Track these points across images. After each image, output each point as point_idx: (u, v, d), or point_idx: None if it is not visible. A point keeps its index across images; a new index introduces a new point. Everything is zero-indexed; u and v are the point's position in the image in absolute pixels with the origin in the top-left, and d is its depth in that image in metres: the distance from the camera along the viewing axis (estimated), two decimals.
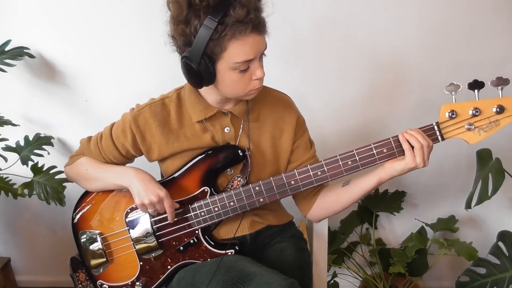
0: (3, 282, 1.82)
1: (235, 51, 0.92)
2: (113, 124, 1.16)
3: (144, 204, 1.05)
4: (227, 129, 1.10)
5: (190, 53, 0.93)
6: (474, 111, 0.96)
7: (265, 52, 0.99)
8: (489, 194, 1.37)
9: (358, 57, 1.57)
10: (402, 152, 1.00)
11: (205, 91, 1.08)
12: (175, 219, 1.10)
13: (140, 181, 1.06)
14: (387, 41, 1.55)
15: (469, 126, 0.97)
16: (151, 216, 1.13)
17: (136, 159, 1.20)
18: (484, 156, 1.44)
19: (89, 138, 1.19)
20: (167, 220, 1.10)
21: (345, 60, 1.58)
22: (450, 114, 0.97)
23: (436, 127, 0.99)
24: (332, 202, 1.13)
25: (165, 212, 1.08)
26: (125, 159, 1.17)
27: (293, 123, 1.14)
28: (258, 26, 0.92)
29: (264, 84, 1.11)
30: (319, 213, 1.17)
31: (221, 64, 0.95)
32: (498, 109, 0.95)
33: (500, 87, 0.94)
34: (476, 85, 0.95)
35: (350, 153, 1.02)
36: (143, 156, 1.15)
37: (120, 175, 1.10)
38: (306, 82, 1.61)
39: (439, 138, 0.99)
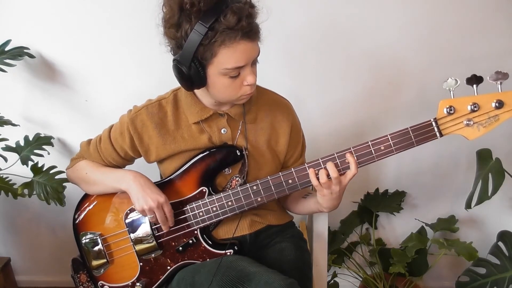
0: (3, 282, 1.82)
1: (225, 57, 0.92)
2: (111, 127, 1.16)
3: (144, 210, 1.05)
4: (224, 130, 1.10)
5: (180, 56, 0.94)
6: (472, 107, 0.94)
7: (261, 54, 0.99)
8: (489, 194, 1.36)
9: (354, 55, 1.57)
10: (400, 150, 0.99)
11: (200, 93, 1.08)
12: (174, 219, 1.10)
13: (139, 186, 1.06)
14: (382, 38, 1.54)
15: (468, 122, 0.95)
16: (151, 223, 1.12)
17: (136, 160, 1.20)
18: (484, 156, 1.44)
19: (89, 141, 1.20)
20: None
21: (341, 59, 1.58)
22: (448, 109, 0.95)
23: (434, 123, 0.97)
24: (293, 206, 1.24)
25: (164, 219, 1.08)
26: (125, 161, 1.18)
27: (289, 127, 1.15)
28: (249, 33, 0.91)
29: (261, 85, 1.12)
30: (288, 209, 1.28)
31: (211, 69, 0.95)
32: (497, 104, 0.93)
33: (499, 82, 0.92)
34: (475, 80, 0.93)
35: (348, 151, 1.01)
36: (142, 157, 1.15)
37: (119, 179, 1.10)
38: (301, 81, 1.61)
39: (437, 134, 0.98)
